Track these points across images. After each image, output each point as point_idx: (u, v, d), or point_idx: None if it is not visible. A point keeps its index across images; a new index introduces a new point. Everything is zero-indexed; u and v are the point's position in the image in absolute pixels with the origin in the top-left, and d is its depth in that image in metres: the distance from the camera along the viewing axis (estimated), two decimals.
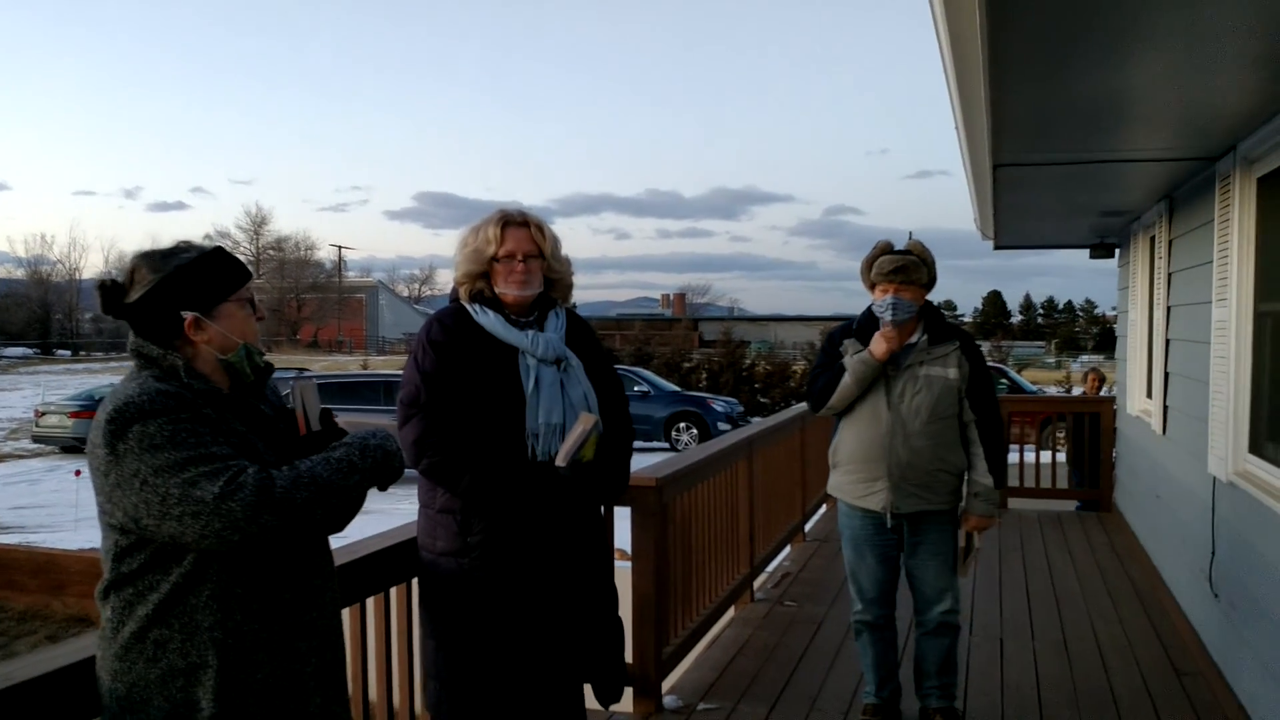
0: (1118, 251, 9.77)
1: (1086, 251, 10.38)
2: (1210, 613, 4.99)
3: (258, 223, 69.64)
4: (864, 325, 4.09)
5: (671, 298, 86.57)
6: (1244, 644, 4.35)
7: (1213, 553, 4.94)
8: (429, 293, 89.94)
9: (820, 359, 4.22)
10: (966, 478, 4.02)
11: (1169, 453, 6.37)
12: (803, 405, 9.03)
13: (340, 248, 77.78)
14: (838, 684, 4.79)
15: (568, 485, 2.87)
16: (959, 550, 4.05)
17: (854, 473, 4.05)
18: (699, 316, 57.98)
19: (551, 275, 3.09)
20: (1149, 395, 7.50)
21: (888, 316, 3.95)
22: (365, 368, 34.17)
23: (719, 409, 19.80)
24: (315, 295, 68.46)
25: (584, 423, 2.89)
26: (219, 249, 2.16)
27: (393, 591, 3.15)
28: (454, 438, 2.88)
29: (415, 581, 3.13)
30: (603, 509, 3.30)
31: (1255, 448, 4.47)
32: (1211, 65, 3.40)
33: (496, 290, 3.04)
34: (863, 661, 4.28)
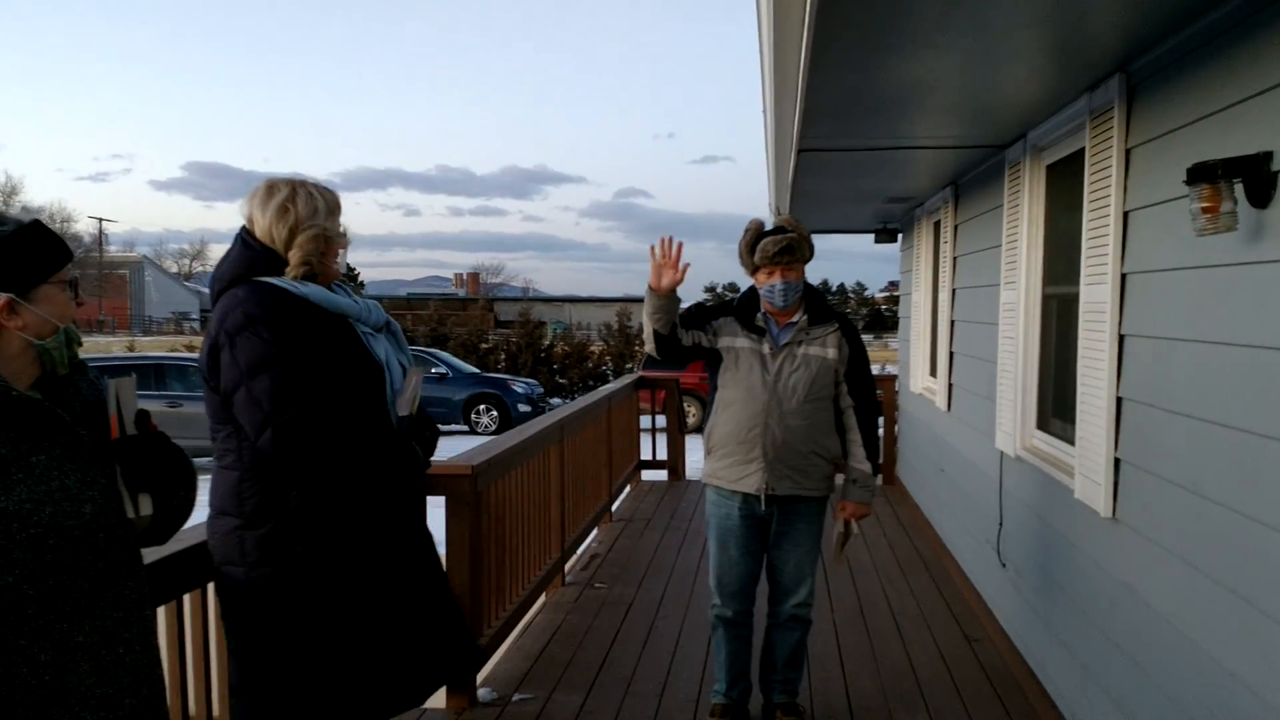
0: (900, 236, 10.25)
1: (870, 236, 10.87)
2: (998, 581, 5.28)
3: (6, 193, 63.61)
4: (744, 305, 4.01)
5: (465, 277, 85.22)
6: (1033, 611, 4.61)
7: (1000, 524, 5.22)
8: (201, 269, 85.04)
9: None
10: (843, 464, 3.97)
11: (954, 429, 6.71)
12: (610, 385, 9.02)
13: (101, 220, 72.29)
14: (651, 667, 4.76)
15: (410, 442, 2.71)
16: (835, 537, 4.04)
17: (729, 455, 3.93)
18: (494, 297, 57.40)
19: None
20: (933, 374, 7.90)
21: (779, 303, 3.88)
22: (131, 349, 31.87)
23: (519, 390, 19.59)
24: (74, 272, 63.18)
25: (415, 375, 2.79)
26: (36, 223, 1.87)
27: (186, 598, 2.84)
28: (317, 395, 2.53)
29: (213, 587, 2.84)
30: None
31: (1043, 424, 4.74)
32: (1006, 57, 3.53)
33: (325, 267, 2.80)
34: (715, 658, 4.16)
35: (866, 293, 73.02)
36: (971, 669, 4.79)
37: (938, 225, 7.71)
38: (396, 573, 2.72)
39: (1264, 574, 2.42)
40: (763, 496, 3.88)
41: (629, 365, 26.42)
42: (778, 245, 3.82)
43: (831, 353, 3.90)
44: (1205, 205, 2.45)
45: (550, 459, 5.76)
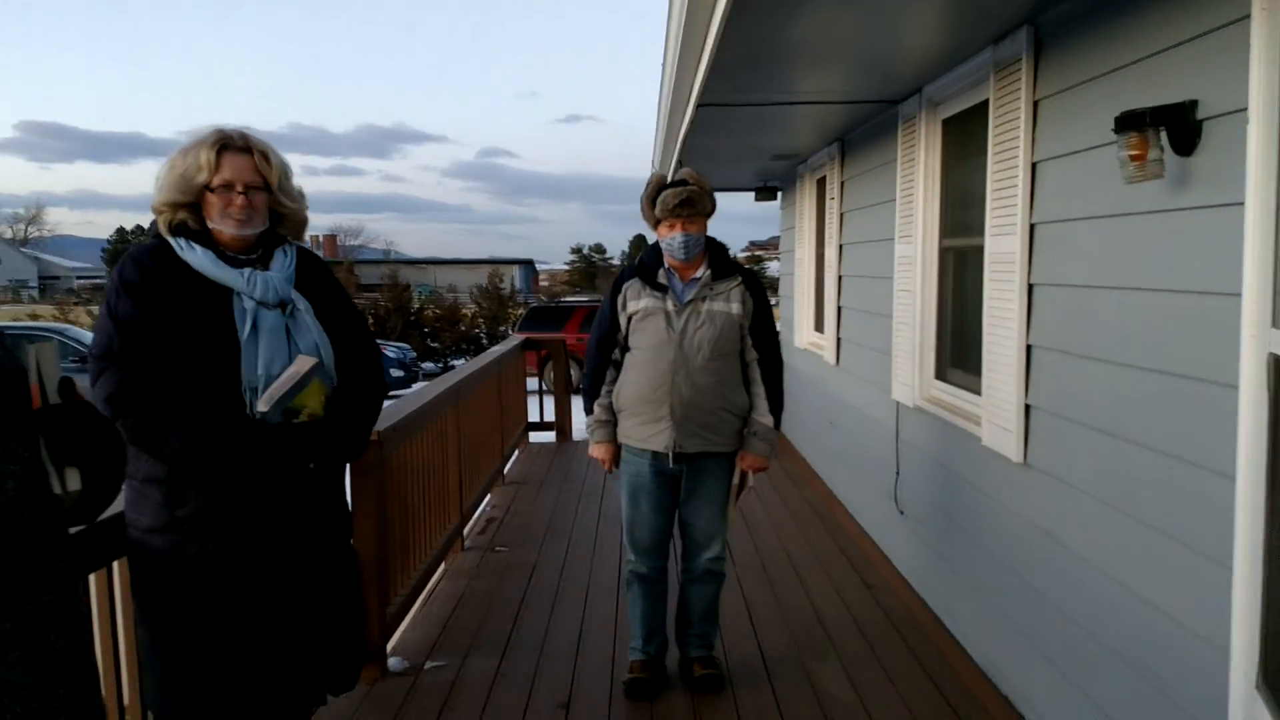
0: (779, 194, 10.36)
1: (744, 195, 10.96)
2: (897, 530, 5.41)
3: None
4: (646, 265, 3.95)
5: (322, 239, 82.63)
6: (936, 556, 4.74)
7: (898, 474, 5.34)
8: (37, 234, 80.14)
9: (603, 310, 4.04)
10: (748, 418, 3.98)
11: (845, 382, 6.83)
12: (499, 347, 8.86)
13: None
14: (563, 629, 4.72)
15: (285, 442, 2.52)
16: (730, 489, 4.05)
17: (637, 414, 3.90)
18: (355, 259, 55.79)
19: (280, 210, 2.69)
20: (818, 329, 8.02)
21: (680, 256, 3.83)
22: None
23: (391, 355, 19.14)
24: None
25: (299, 365, 2.54)
26: None
27: (91, 578, 2.64)
28: (156, 394, 2.45)
29: (122, 563, 2.66)
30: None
31: (942, 374, 4.85)
32: (911, 10, 3.56)
33: (210, 225, 2.60)
34: (631, 615, 4.15)
35: (731, 253, 74.22)
36: (875, 615, 4.91)
37: (822, 182, 7.80)
38: (285, 553, 2.59)
39: (1183, 508, 2.52)
40: (671, 454, 3.86)
41: (503, 328, 26.13)
42: (678, 197, 3.80)
43: (736, 308, 3.89)
44: (1133, 153, 2.51)
45: (448, 423, 5.62)
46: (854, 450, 6.50)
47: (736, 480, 4.02)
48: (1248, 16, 2.15)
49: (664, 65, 5.60)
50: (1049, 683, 3.41)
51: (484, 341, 25.57)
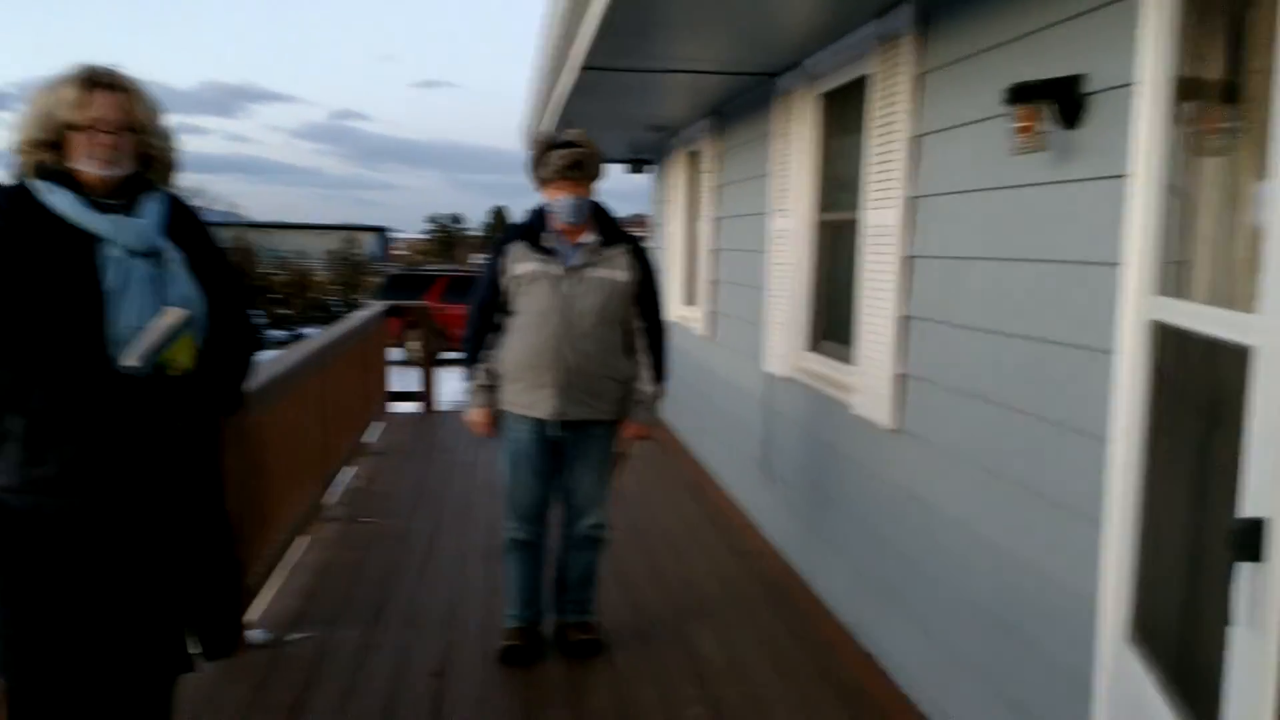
0: (647, 167, 10.37)
1: (620, 168, 10.93)
2: (766, 498, 5.51)
3: None
4: (533, 227, 3.85)
5: None
6: (805, 523, 4.84)
7: (768, 443, 5.43)
8: None
9: (485, 273, 3.93)
10: (632, 386, 3.94)
11: (717, 355, 6.90)
12: (362, 312, 8.60)
13: None
14: (434, 599, 4.62)
15: (153, 397, 2.37)
16: (614, 457, 4.01)
17: (520, 379, 3.81)
18: None
19: (149, 151, 2.51)
20: (690, 302, 8.08)
21: (569, 219, 3.75)
22: None
23: None
24: None
25: (170, 317, 2.39)
26: None
27: None
28: (14, 348, 2.27)
29: None
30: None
31: (814, 345, 4.94)
32: None
33: (74, 166, 2.41)
34: (507, 582, 4.06)
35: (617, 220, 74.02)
36: (747, 581, 4.98)
37: (695, 155, 7.84)
38: (121, 534, 2.43)
39: (1056, 469, 2.63)
40: (554, 421, 3.81)
41: (357, 296, 25.45)
42: (568, 159, 3.73)
43: (623, 275, 3.85)
44: (1022, 125, 2.58)
45: (311, 388, 5.41)
46: (724, 422, 6.57)
47: (619, 449, 4.01)
48: None
49: (547, 25, 5.50)
50: (913, 640, 3.53)
51: (338, 309, 24.86)
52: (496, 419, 3.93)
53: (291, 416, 4.92)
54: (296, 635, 4.16)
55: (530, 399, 3.81)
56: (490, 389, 3.91)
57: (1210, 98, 2.31)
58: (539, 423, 3.84)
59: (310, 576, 4.88)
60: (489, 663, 3.95)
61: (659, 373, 3.97)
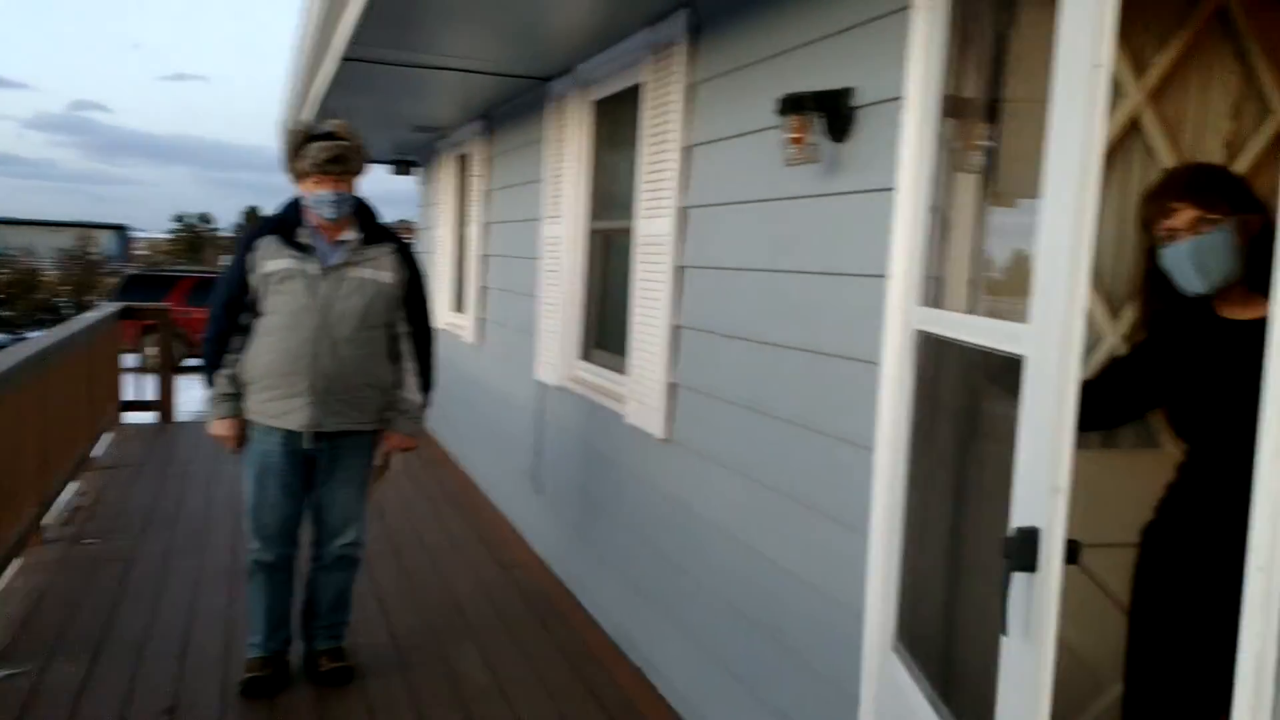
0: (414, 170, 10.05)
1: (385, 169, 10.55)
2: (535, 509, 5.38)
3: None
4: (287, 221, 3.53)
5: None
6: (575, 534, 4.75)
7: (538, 454, 5.31)
8: None
9: (231, 269, 3.57)
10: (395, 395, 3.69)
11: (486, 363, 6.72)
12: (91, 314, 7.84)
13: None
14: (167, 627, 4.20)
15: None
16: (373, 471, 3.75)
17: (271, 388, 3.48)
18: None
19: None
20: (458, 309, 7.86)
21: (329, 214, 3.46)
22: None
23: None
24: None
25: None
26: None
27: None
28: None
29: None
30: None
31: (587, 355, 4.86)
32: None
33: None
34: (252, 608, 3.71)
35: (381, 218, 71.82)
36: (513, 597, 4.84)
37: (465, 158, 7.64)
38: None
39: (822, 478, 2.64)
40: (308, 433, 3.54)
41: (91, 298, 23.44)
42: (329, 152, 3.46)
43: (388, 276, 3.63)
44: (794, 136, 2.58)
45: (28, 396, 4.84)
46: (493, 432, 6.40)
47: (380, 461, 3.77)
48: (907, 8, 2.26)
49: (306, 6, 5.17)
50: (683, 653, 3.50)
51: (68, 311, 22.82)
52: (243, 430, 3.61)
53: (5, 426, 4.37)
54: (4, 672, 3.68)
55: (281, 409, 3.52)
56: (235, 397, 3.58)
57: (971, 116, 2.38)
58: (290, 434, 3.55)
59: (23, 605, 4.35)
60: (229, 696, 3.61)
61: (425, 381, 3.76)
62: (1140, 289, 2.37)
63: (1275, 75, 2.41)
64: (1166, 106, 2.43)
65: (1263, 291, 2.11)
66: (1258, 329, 2.12)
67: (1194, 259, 2.09)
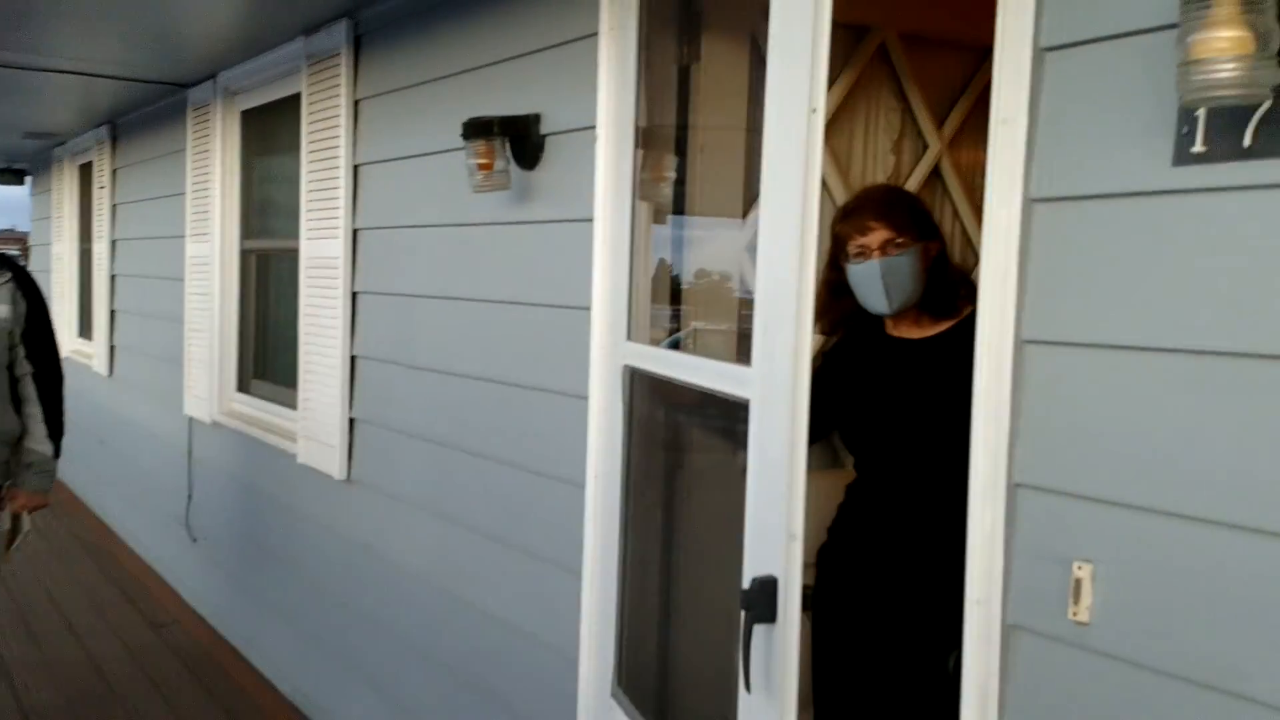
0: (31, 179, 8.92)
1: None
2: (189, 560, 4.88)
3: None
4: None
5: None
6: (238, 586, 4.34)
7: (190, 497, 4.82)
8: None
9: None
10: (19, 445, 3.14)
11: (121, 396, 6.04)
12: None
13: None
14: None
15: None
16: (2, 535, 3.17)
17: None
18: None
19: None
20: (84, 335, 7.01)
21: None
22: None
23: None
24: None
25: None
26: None
27: None
28: None
29: None
30: None
31: (245, 387, 4.46)
32: None
33: None
34: None
35: None
36: (166, 658, 4.37)
37: (88, 168, 6.82)
38: None
39: (529, 518, 2.54)
40: None
41: None
42: None
43: (4, 310, 3.17)
44: (481, 162, 2.46)
45: None
46: (134, 473, 5.75)
47: (7, 525, 3.23)
48: (595, 35, 2.21)
49: None
50: (373, 709, 3.27)
51: None
52: None
53: None
54: None
55: None
56: None
57: (659, 147, 2.38)
58: None
59: None
60: None
61: (55, 428, 3.29)
62: (818, 299, 2.40)
63: (930, 111, 2.60)
64: (836, 142, 2.55)
65: (933, 314, 2.25)
66: (927, 348, 2.27)
67: (882, 279, 2.15)
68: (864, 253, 2.18)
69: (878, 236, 2.17)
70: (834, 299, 2.31)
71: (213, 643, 4.49)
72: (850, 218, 2.23)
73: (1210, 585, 1.22)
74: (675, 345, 2.43)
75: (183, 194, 4.84)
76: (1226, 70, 1.04)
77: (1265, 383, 1.18)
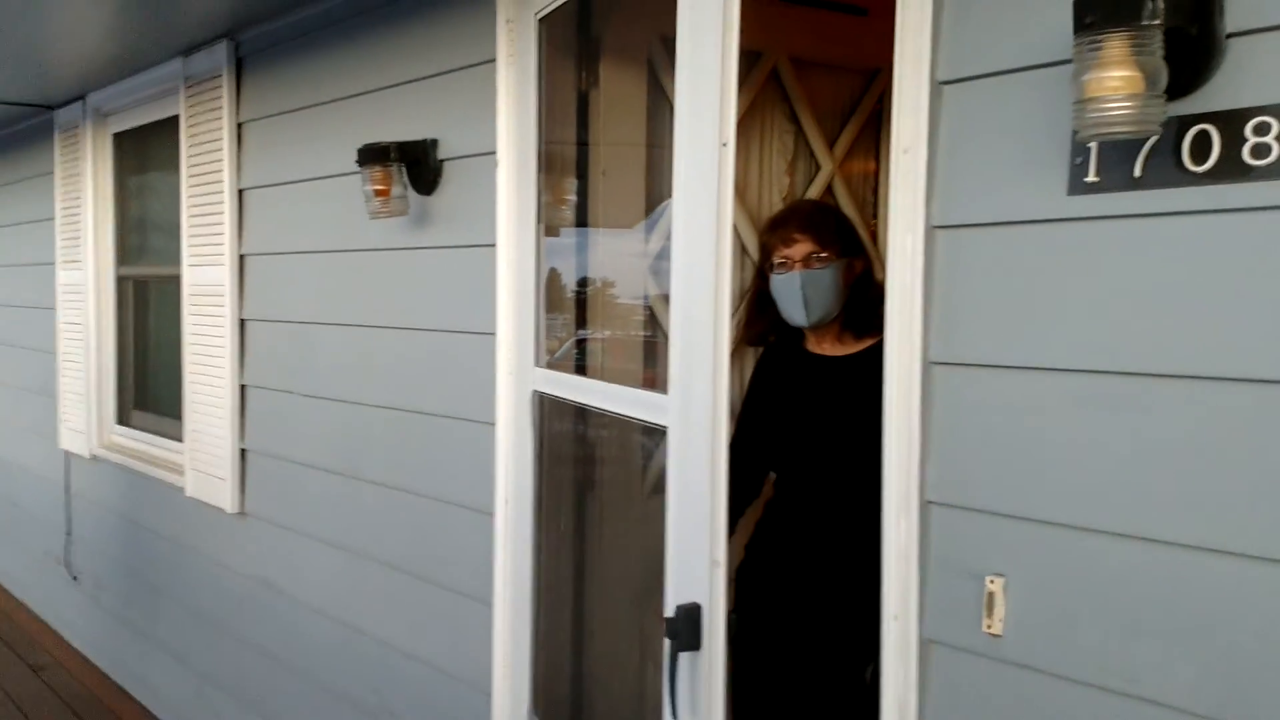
0: None
1: None
2: (69, 599, 4.65)
3: None
4: None
5: None
6: (124, 625, 4.16)
7: (69, 534, 4.60)
8: None
9: None
10: None
11: None
12: None
13: None
14: None
15: None
16: None
17: None
18: None
19: None
20: None
21: None
22: None
23: None
24: None
25: None
26: None
27: None
28: None
29: None
30: None
31: (125, 419, 4.28)
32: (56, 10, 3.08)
33: None
34: None
35: None
36: (48, 702, 4.16)
37: None
38: None
39: (436, 548, 2.50)
40: None
41: None
42: None
43: None
44: (378, 188, 2.42)
45: None
46: (6, 511, 5.45)
47: None
48: (493, 61, 2.20)
49: None
50: None
51: None
52: None
53: None
54: None
55: None
56: None
57: (562, 172, 2.38)
58: None
59: None
60: None
61: None
62: (746, 309, 2.40)
63: (821, 132, 2.66)
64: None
65: (855, 331, 2.30)
66: (846, 365, 2.31)
67: (803, 291, 2.17)
68: (787, 264, 2.20)
69: (801, 249, 2.19)
70: (760, 311, 2.33)
71: (97, 683, 4.29)
72: (777, 229, 2.25)
73: (1109, 593, 1.28)
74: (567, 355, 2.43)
75: (52, 219, 4.63)
76: (1119, 108, 1.10)
77: (1155, 400, 1.25)
